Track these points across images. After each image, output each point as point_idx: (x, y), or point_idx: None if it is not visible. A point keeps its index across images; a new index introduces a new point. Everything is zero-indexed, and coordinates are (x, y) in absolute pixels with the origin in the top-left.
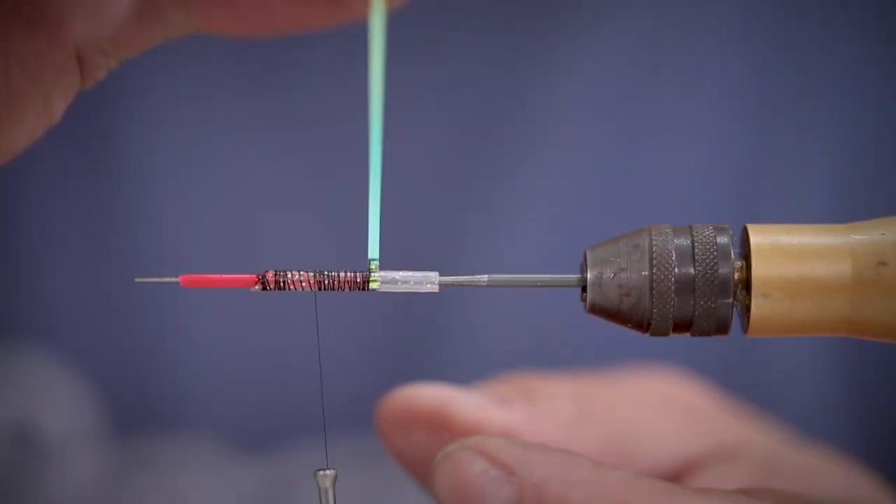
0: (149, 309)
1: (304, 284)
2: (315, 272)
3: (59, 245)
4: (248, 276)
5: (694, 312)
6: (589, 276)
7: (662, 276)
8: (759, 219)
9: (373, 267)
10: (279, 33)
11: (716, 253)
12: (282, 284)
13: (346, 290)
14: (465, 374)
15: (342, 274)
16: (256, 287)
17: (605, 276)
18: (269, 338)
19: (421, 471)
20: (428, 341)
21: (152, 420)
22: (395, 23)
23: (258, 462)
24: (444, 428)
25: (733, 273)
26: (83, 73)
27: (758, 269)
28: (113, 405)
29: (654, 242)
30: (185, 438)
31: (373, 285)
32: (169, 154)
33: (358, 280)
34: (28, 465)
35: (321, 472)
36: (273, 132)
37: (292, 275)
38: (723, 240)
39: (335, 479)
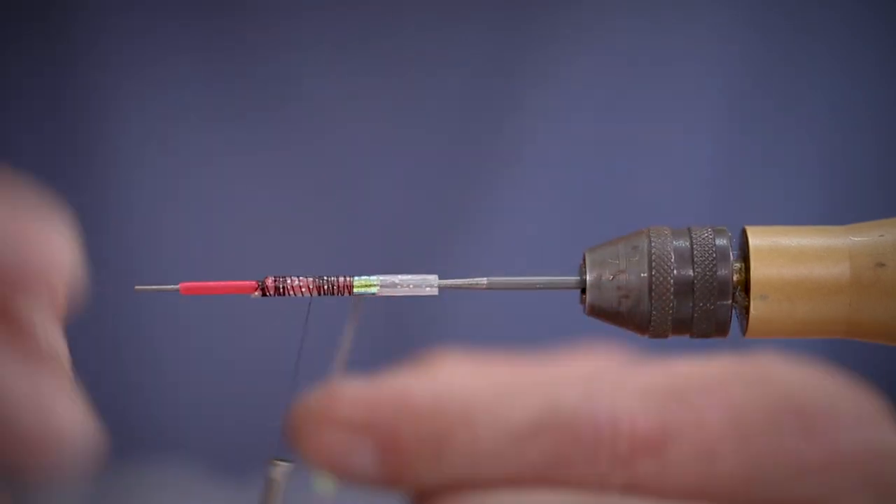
0: (123, 335)
1: (303, 290)
2: (314, 277)
3: None
4: (247, 282)
5: (693, 314)
6: (588, 277)
7: (661, 278)
8: (758, 220)
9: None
10: None
11: (714, 255)
12: (281, 290)
13: (346, 294)
14: None
15: (341, 279)
16: (256, 293)
17: (604, 277)
18: (245, 360)
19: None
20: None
21: (130, 445)
22: (389, 24)
23: (237, 486)
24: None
25: (732, 275)
26: None
27: (756, 271)
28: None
29: (652, 244)
30: (163, 463)
31: (372, 290)
32: (162, 162)
33: (358, 285)
34: (9, 492)
35: (276, 463)
36: (270, 138)
37: (291, 280)
38: (721, 242)
39: (289, 473)
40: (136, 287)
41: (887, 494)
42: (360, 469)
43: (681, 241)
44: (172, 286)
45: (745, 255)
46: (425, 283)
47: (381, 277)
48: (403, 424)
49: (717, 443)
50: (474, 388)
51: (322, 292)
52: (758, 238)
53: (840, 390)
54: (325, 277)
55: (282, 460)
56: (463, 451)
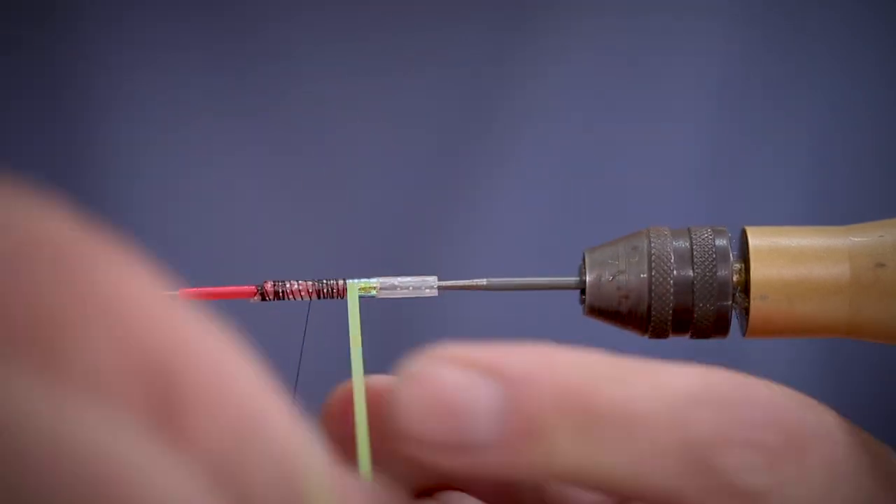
0: None
1: (303, 294)
2: (314, 281)
3: None
4: (246, 287)
5: (693, 315)
6: (587, 278)
7: (661, 279)
8: (757, 220)
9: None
10: None
11: (714, 255)
12: (281, 294)
13: (345, 297)
14: None
15: (340, 282)
16: (255, 298)
17: (603, 278)
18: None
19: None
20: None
21: None
22: (379, 24)
23: None
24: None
25: (732, 275)
26: None
27: (756, 271)
28: None
29: (652, 245)
30: None
31: (371, 292)
32: (160, 165)
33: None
34: None
35: None
36: (270, 140)
37: (291, 284)
38: (721, 242)
39: None
40: None
41: None
42: (479, 420)
43: (680, 242)
44: (171, 293)
45: (744, 256)
46: (425, 285)
47: (381, 279)
48: (541, 373)
49: (846, 462)
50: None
51: (321, 296)
52: (757, 238)
53: None
54: (325, 281)
55: None
56: (615, 416)
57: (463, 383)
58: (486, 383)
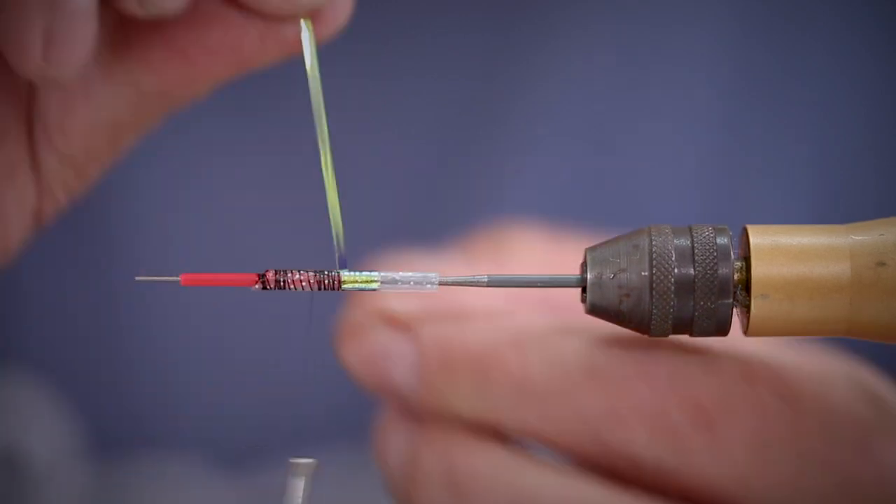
0: (129, 329)
1: (304, 284)
2: (315, 272)
3: (37, 263)
4: (248, 275)
5: (694, 313)
6: (589, 276)
7: (662, 277)
8: (758, 219)
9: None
10: (222, 73)
11: (715, 253)
12: (282, 284)
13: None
14: None
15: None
16: (256, 286)
17: (604, 276)
18: (250, 354)
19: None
20: None
21: (134, 439)
22: (382, 23)
23: (242, 479)
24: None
25: (733, 273)
26: (39, 189)
27: (757, 270)
28: (94, 425)
29: (653, 243)
30: (167, 456)
31: (373, 285)
32: (165, 157)
33: (359, 280)
34: (10, 487)
35: (295, 461)
36: (271, 130)
37: (292, 274)
38: (722, 240)
39: (314, 469)
40: (137, 277)
41: None
42: (395, 376)
43: (682, 240)
44: (173, 277)
45: (746, 254)
46: (426, 280)
47: (382, 273)
48: (454, 333)
49: (771, 430)
50: (530, 317)
51: (322, 287)
52: (759, 237)
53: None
54: (326, 272)
55: (301, 458)
56: (511, 378)
57: (387, 342)
58: (405, 344)
